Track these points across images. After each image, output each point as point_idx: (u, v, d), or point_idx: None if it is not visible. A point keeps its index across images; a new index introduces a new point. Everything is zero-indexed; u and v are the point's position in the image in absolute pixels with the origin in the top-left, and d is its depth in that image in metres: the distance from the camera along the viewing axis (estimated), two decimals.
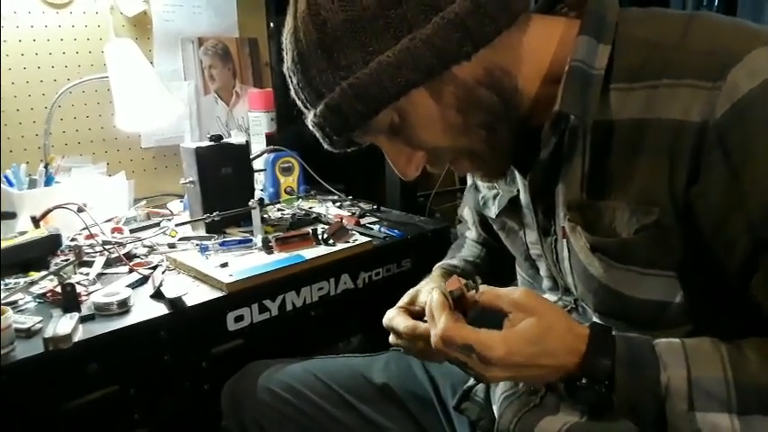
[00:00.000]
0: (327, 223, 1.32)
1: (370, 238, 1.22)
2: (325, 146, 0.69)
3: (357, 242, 1.18)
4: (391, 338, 0.80)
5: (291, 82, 0.66)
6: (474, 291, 0.65)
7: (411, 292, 0.86)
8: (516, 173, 0.76)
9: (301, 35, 0.62)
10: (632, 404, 0.60)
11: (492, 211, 0.85)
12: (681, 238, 0.61)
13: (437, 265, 0.99)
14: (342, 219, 1.32)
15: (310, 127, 0.67)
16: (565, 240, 0.70)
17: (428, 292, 0.81)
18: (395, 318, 0.79)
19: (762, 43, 0.56)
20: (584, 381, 0.60)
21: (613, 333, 0.62)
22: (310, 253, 1.12)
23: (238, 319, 1.02)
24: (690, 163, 0.58)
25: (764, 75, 0.55)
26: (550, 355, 0.60)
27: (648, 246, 0.63)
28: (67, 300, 0.93)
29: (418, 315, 0.80)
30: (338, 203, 1.50)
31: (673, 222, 0.61)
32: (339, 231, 1.19)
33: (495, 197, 0.84)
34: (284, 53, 0.65)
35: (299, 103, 0.67)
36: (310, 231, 1.19)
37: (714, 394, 0.57)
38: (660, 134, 0.59)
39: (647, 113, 0.60)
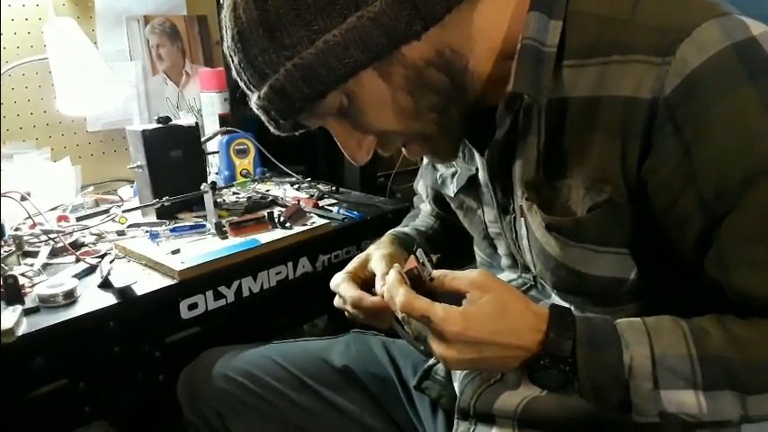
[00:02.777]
0: (284, 206, 1.29)
1: (328, 221, 1.20)
2: (272, 129, 0.66)
3: (315, 225, 1.16)
4: (336, 301, 0.80)
5: (232, 62, 0.63)
6: (429, 268, 0.64)
7: (361, 256, 0.85)
8: (475, 151, 0.75)
9: (241, 12, 0.59)
10: (596, 386, 0.59)
11: (450, 190, 0.84)
12: (633, 216, 0.61)
13: (389, 231, 0.97)
14: (299, 201, 1.30)
15: (254, 110, 0.64)
16: (523, 219, 0.70)
17: (378, 258, 0.80)
18: (341, 284, 0.79)
19: (711, 15, 0.56)
20: (546, 361, 0.59)
21: (573, 313, 0.61)
22: (266, 237, 1.10)
23: (192, 306, 0.99)
24: (641, 140, 0.57)
25: (713, 49, 0.55)
26: (511, 333, 0.59)
27: (601, 224, 0.62)
28: (9, 292, 0.89)
29: (367, 281, 0.80)
30: (296, 186, 1.48)
31: (625, 200, 0.61)
32: (296, 214, 1.17)
33: (453, 175, 0.83)
34: (224, 31, 0.62)
35: (241, 84, 0.64)
36: (266, 215, 1.16)
37: (678, 371, 0.57)
38: (612, 111, 0.59)
39: (600, 91, 0.59)
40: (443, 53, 0.60)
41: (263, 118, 0.64)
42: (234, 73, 0.64)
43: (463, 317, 0.58)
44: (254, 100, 0.63)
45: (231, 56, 0.62)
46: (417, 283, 0.64)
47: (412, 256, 0.66)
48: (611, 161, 0.60)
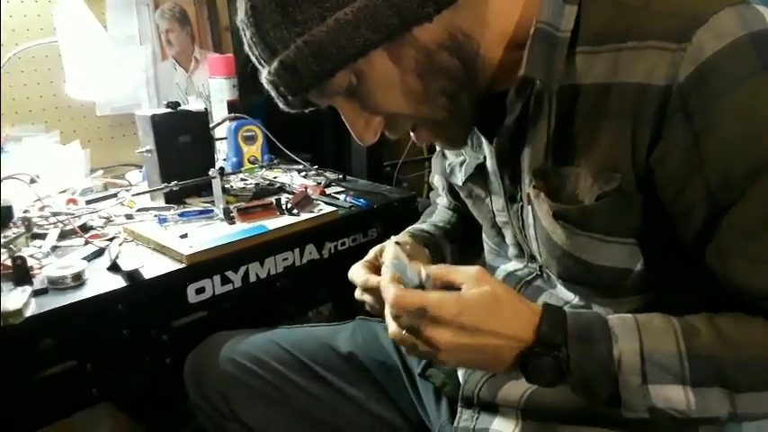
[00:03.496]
0: (292, 193, 1.29)
1: (335, 208, 1.20)
2: (281, 105, 0.66)
3: (322, 212, 1.16)
4: (356, 293, 0.80)
5: (245, 36, 0.63)
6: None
7: (377, 247, 0.85)
8: (483, 139, 0.75)
9: None
10: (585, 379, 0.59)
11: (459, 179, 0.84)
12: (641, 206, 0.61)
13: (407, 229, 0.97)
14: (306, 188, 1.30)
15: (264, 84, 0.64)
16: (530, 207, 0.70)
17: (390, 245, 0.79)
18: (354, 272, 0.79)
19: (729, 3, 0.55)
20: (539, 349, 0.59)
21: (565, 310, 0.62)
22: (274, 223, 1.10)
23: (200, 291, 0.99)
24: (652, 127, 0.57)
25: (731, 37, 0.54)
26: (505, 323, 0.59)
27: (610, 213, 0.62)
28: (18, 273, 0.90)
29: (379, 270, 0.79)
30: (303, 173, 1.48)
31: (634, 189, 0.60)
32: (303, 201, 1.17)
33: (461, 164, 0.83)
34: (237, 4, 0.62)
35: (252, 58, 0.64)
36: (274, 201, 1.17)
37: (667, 367, 0.57)
38: (624, 98, 0.58)
39: (612, 77, 0.59)
40: (455, 36, 0.60)
41: (273, 93, 0.64)
42: (246, 47, 0.64)
43: (458, 302, 0.59)
44: (264, 75, 0.63)
45: (243, 30, 0.62)
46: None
47: (414, 262, 0.66)
48: (621, 148, 0.59)
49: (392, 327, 0.62)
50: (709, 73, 0.54)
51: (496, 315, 0.59)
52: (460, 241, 0.97)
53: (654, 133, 0.57)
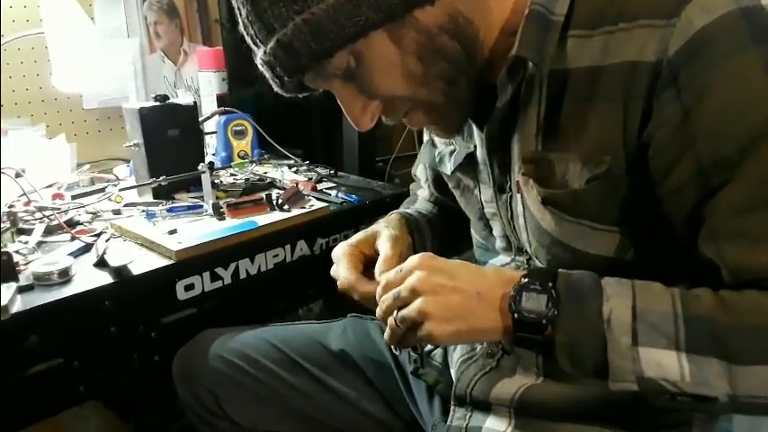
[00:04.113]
0: (282, 188, 1.28)
1: (326, 204, 1.19)
2: (275, 88, 0.65)
3: (313, 208, 1.15)
4: (333, 269, 0.82)
5: (240, 15, 0.61)
6: None
7: (367, 231, 0.84)
8: (474, 127, 0.74)
9: None
10: (572, 342, 0.56)
11: (448, 168, 0.83)
12: (631, 190, 0.60)
13: (396, 211, 0.96)
14: (297, 184, 1.28)
15: (259, 66, 0.63)
16: (519, 195, 0.69)
17: (386, 239, 0.79)
18: (341, 259, 0.80)
19: None
20: (529, 280, 0.58)
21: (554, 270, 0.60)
22: (264, 219, 1.09)
23: (189, 287, 0.98)
24: (643, 104, 0.56)
25: (720, 11, 0.54)
26: (479, 274, 0.62)
27: (599, 197, 0.62)
28: (4, 269, 0.87)
29: (370, 258, 0.79)
30: (294, 168, 1.46)
31: (623, 172, 0.60)
32: (294, 197, 1.16)
33: (451, 153, 0.82)
34: None
35: (247, 39, 0.63)
36: (264, 197, 1.15)
37: (660, 328, 0.53)
38: (614, 78, 0.58)
39: (603, 60, 0.59)
40: (456, 20, 0.60)
41: (268, 75, 0.63)
42: (240, 27, 0.63)
43: (430, 256, 0.63)
44: (259, 55, 0.62)
45: (239, 8, 0.61)
46: None
47: None
48: (612, 130, 0.59)
49: (387, 331, 0.64)
50: (698, 46, 0.54)
51: (470, 267, 0.62)
52: (440, 232, 0.96)
53: (645, 110, 0.57)
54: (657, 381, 0.54)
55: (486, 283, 0.60)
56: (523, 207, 0.69)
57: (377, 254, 0.77)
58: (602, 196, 0.62)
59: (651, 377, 0.54)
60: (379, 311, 0.65)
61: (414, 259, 0.62)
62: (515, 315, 0.57)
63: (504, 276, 0.61)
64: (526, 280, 0.58)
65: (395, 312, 0.62)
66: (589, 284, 0.58)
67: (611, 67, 0.58)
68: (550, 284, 0.57)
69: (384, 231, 0.81)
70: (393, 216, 0.91)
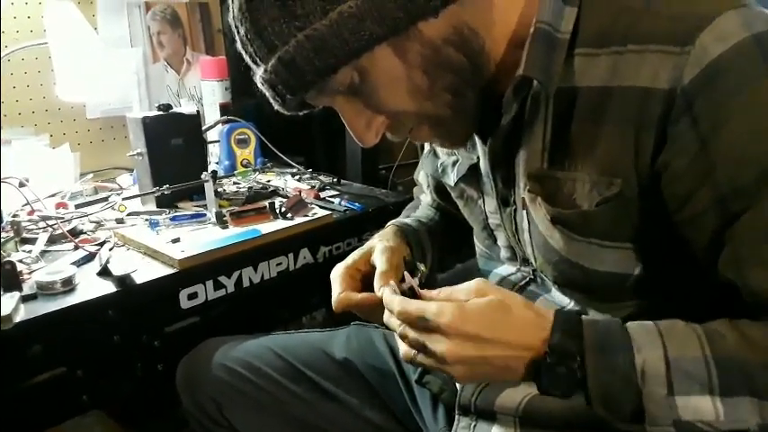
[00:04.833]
0: (285, 197, 1.28)
1: (329, 212, 1.19)
2: (276, 106, 0.64)
3: (316, 216, 1.15)
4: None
5: (238, 33, 0.60)
6: (419, 276, 0.64)
7: (363, 248, 0.83)
8: (477, 139, 0.74)
9: None
10: (606, 393, 0.56)
11: (451, 179, 0.83)
12: (642, 211, 0.60)
13: (391, 222, 0.95)
14: (300, 192, 1.29)
15: (259, 85, 0.62)
16: (525, 211, 0.69)
17: (380, 252, 0.78)
18: (335, 279, 0.78)
19: (731, 6, 0.55)
20: (553, 359, 0.56)
21: (580, 316, 0.59)
22: (267, 227, 1.09)
23: (192, 296, 0.98)
24: (657, 132, 0.56)
25: (735, 39, 0.53)
26: (513, 329, 0.57)
27: (610, 218, 0.61)
28: (7, 278, 0.88)
29: (368, 275, 0.78)
30: (297, 176, 1.47)
31: (635, 195, 0.59)
32: (297, 205, 1.16)
33: (454, 164, 0.82)
34: (230, 1, 0.59)
35: (246, 57, 0.62)
36: (267, 205, 1.15)
37: (694, 374, 0.54)
38: (625, 103, 0.57)
39: (612, 81, 0.58)
40: (461, 32, 0.59)
41: (269, 94, 0.62)
42: (239, 45, 0.61)
43: (460, 310, 0.56)
44: (259, 74, 0.60)
45: (237, 27, 0.60)
46: (412, 295, 0.63)
47: (406, 273, 0.65)
48: (623, 154, 0.58)
49: (403, 348, 0.61)
50: (714, 75, 0.53)
51: (503, 322, 0.57)
52: (441, 240, 0.95)
53: (658, 138, 0.56)
54: (694, 423, 0.55)
55: (514, 346, 0.57)
56: (529, 223, 0.69)
57: (374, 269, 0.76)
58: (613, 218, 0.61)
59: (689, 420, 0.55)
60: (403, 349, 0.61)
61: (443, 316, 0.56)
62: (539, 387, 0.57)
63: (539, 335, 0.57)
64: (549, 360, 0.56)
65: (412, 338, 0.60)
66: (616, 334, 0.57)
67: (623, 90, 0.57)
68: (578, 359, 0.55)
69: (378, 245, 0.81)
70: (388, 229, 0.91)
